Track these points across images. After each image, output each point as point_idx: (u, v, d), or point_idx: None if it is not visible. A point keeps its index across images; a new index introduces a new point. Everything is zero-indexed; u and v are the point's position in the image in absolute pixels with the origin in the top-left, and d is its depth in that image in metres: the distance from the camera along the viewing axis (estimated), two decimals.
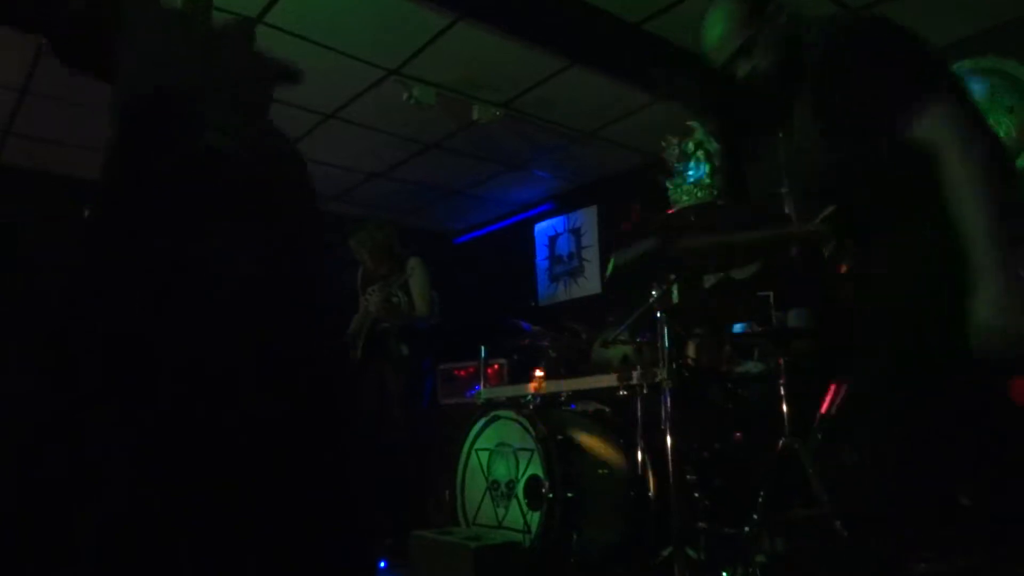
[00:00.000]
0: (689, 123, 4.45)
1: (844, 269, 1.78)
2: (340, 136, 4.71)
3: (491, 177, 5.59)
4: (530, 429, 2.72)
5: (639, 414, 2.86)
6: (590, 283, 5.63)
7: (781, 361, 2.89)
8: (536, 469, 2.65)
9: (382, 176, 5.46)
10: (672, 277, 2.78)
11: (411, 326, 3.88)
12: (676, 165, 4.50)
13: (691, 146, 4.39)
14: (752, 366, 3.46)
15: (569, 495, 2.55)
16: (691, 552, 2.65)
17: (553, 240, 5.99)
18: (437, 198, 6.01)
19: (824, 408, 2.89)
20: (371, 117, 4.50)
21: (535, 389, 3.12)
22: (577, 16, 3.42)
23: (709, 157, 4.35)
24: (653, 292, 2.54)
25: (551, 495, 2.54)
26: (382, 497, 4.09)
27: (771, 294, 3.37)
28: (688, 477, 2.86)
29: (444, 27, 3.55)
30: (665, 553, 2.64)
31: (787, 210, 1.86)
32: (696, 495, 2.81)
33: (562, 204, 5.95)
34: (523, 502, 2.68)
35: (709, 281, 4.01)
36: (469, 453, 3.02)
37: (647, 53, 3.78)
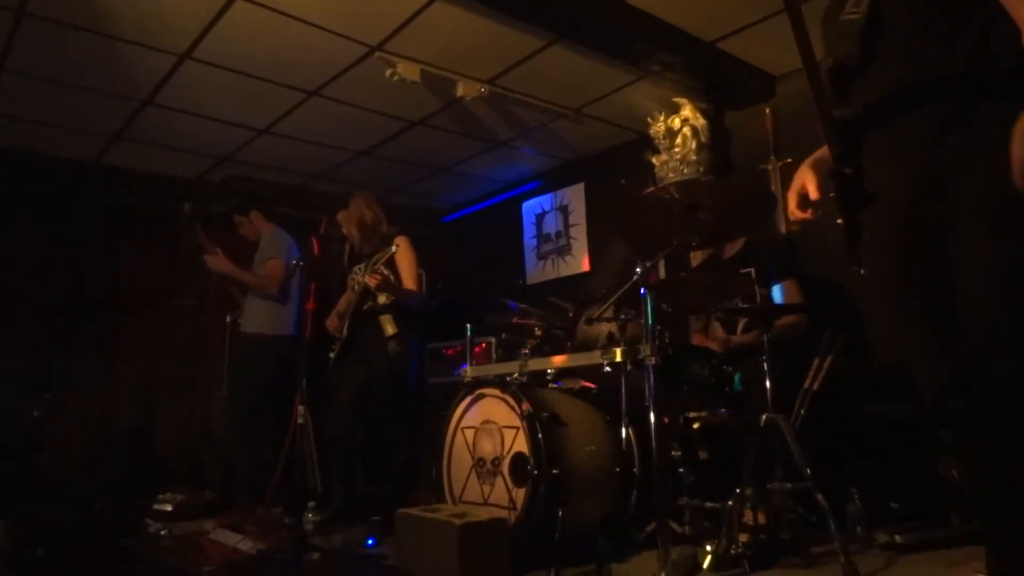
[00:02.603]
0: (675, 100, 4.43)
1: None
2: (324, 114, 4.66)
3: (477, 155, 5.55)
4: (515, 406, 2.73)
5: (623, 391, 2.88)
6: (577, 261, 5.63)
7: (764, 336, 2.90)
8: (521, 446, 2.66)
9: (367, 154, 5.42)
10: (659, 254, 2.78)
11: (399, 305, 3.87)
12: (662, 141, 4.49)
13: (677, 122, 4.37)
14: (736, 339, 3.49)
15: (554, 472, 2.56)
16: (676, 527, 2.68)
17: (540, 218, 5.98)
18: (424, 176, 5.97)
19: (807, 383, 2.92)
20: (355, 94, 4.45)
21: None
22: None
23: (695, 133, 4.34)
24: (638, 269, 2.54)
25: (536, 472, 2.56)
26: (370, 475, 4.11)
27: (753, 271, 3.38)
28: (673, 453, 2.89)
29: (425, 3, 3.50)
30: (649, 528, 2.67)
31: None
32: (680, 470, 2.84)
33: (549, 181, 5.93)
34: (509, 479, 2.69)
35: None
36: (455, 431, 3.02)
37: (633, 28, 3.74)
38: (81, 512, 4.23)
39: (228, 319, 4.86)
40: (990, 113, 1.37)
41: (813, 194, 1.66)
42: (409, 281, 3.90)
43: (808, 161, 1.75)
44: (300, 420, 3.65)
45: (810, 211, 1.69)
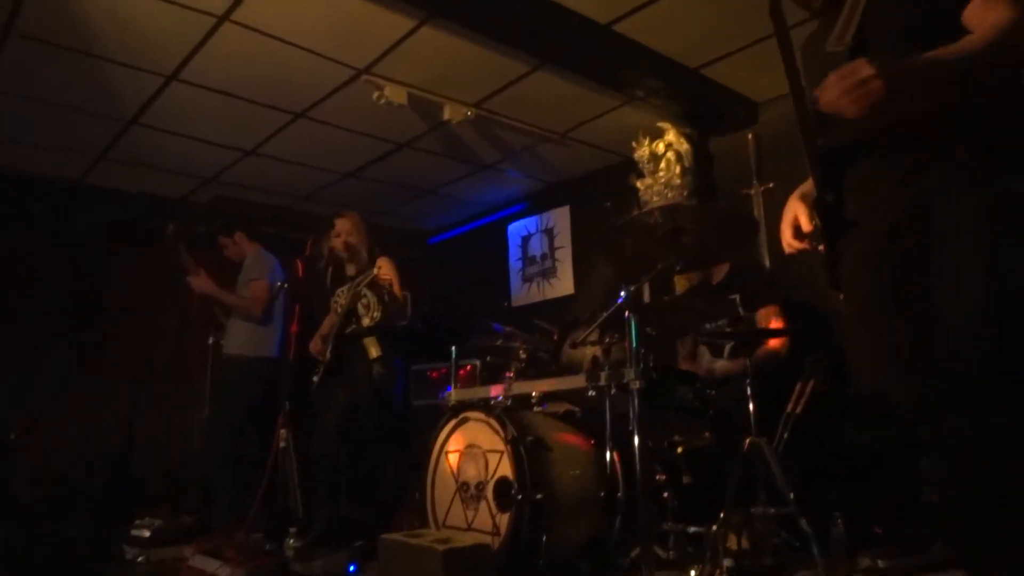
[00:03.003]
0: (659, 124, 4.48)
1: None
2: (311, 135, 4.67)
3: (463, 177, 5.58)
4: (500, 430, 2.72)
5: (608, 414, 2.87)
6: (563, 283, 5.64)
7: (747, 361, 2.92)
8: (506, 471, 2.64)
9: (353, 175, 5.43)
10: (643, 278, 2.79)
11: (383, 327, 3.85)
12: (647, 166, 4.53)
13: (661, 147, 4.42)
14: (721, 363, 3.51)
15: (538, 496, 2.54)
16: (660, 552, 2.67)
17: (526, 240, 6.00)
18: (410, 198, 5.98)
19: (790, 407, 2.93)
20: (341, 116, 4.47)
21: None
22: (546, 16, 3.42)
23: (679, 158, 4.38)
24: (622, 293, 2.55)
25: (520, 496, 2.54)
26: (353, 499, 4.06)
27: (738, 297, 3.41)
28: (657, 477, 2.88)
29: (411, 29, 3.53)
30: (634, 554, 2.65)
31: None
32: (665, 495, 2.83)
33: (535, 204, 5.96)
34: (493, 504, 2.67)
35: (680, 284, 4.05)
36: (439, 455, 3.00)
37: (618, 54, 3.80)
38: (56, 537, 4.15)
39: (211, 340, 4.82)
40: (965, 150, 1.43)
41: (805, 226, 1.70)
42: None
43: (796, 193, 1.80)
44: (282, 443, 3.61)
45: (806, 241, 1.73)
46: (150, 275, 5.48)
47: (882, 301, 1.60)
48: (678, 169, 4.33)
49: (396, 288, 3.83)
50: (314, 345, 4.02)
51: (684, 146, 4.37)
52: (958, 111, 1.45)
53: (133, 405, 5.44)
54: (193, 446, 5.23)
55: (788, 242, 1.75)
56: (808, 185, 1.76)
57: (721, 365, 3.35)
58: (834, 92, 1.37)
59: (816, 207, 1.62)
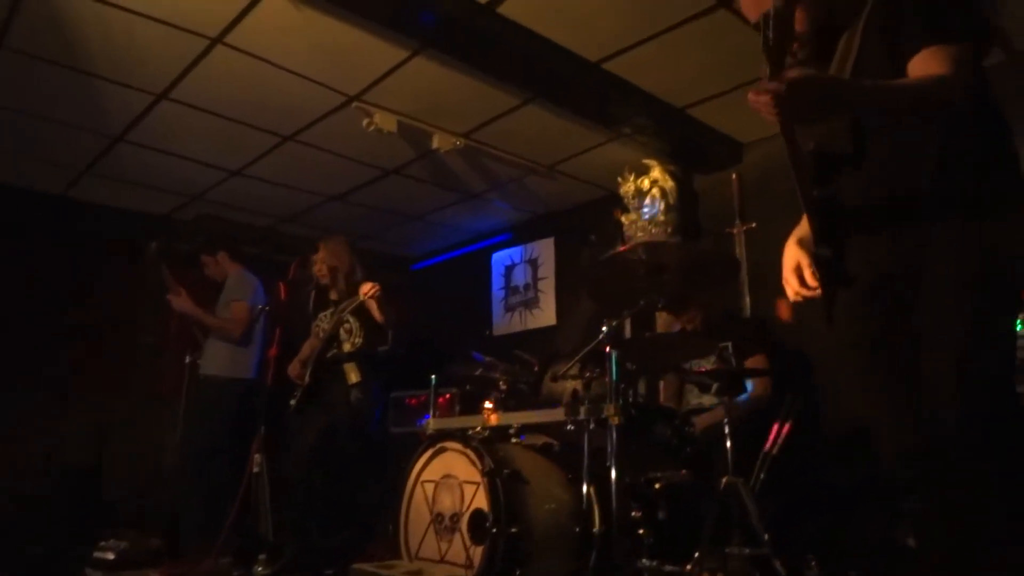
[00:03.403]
0: (645, 161, 4.54)
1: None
2: (298, 158, 4.68)
3: (450, 205, 5.60)
4: (476, 462, 2.70)
5: (586, 449, 2.86)
6: (545, 314, 5.65)
7: (728, 399, 2.94)
8: (481, 503, 2.62)
9: (340, 199, 5.43)
10: (624, 313, 2.82)
11: (364, 353, 3.83)
12: (632, 201, 4.58)
13: (646, 183, 4.48)
14: (708, 400, 3.53)
15: (513, 530, 2.52)
16: None
17: (510, 270, 6.01)
18: (395, 223, 5.99)
19: (767, 447, 2.94)
20: (330, 141, 4.48)
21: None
22: (538, 52, 3.48)
23: (664, 195, 4.44)
24: (604, 328, 2.57)
25: (495, 529, 2.52)
26: (326, 526, 4.00)
27: (730, 344, 3.44)
28: (633, 513, 2.87)
29: (404, 59, 3.57)
30: None
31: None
32: (640, 531, 2.82)
33: (520, 234, 5.99)
34: (467, 536, 2.65)
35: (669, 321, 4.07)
36: (415, 484, 2.97)
37: (607, 92, 3.86)
38: (17, 556, 4.04)
39: (187, 360, 4.76)
40: (956, 211, 1.52)
41: (809, 279, 1.74)
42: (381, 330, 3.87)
43: (793, 238, 1.83)
44: (256, 468, 3.56)
45: (812, 289, 1.76)
46: (129, 291, 5.42)
47: (871, 350, 1.67)
48: (662, 205, 4.39)
49: (382, 312, 3.80)
50: (293, 369, 3.99)
51: (669, 183, 4.43)
52: (952, 172, 1.54)
53: (104, 422, 5.34)
54: (165, 467, 5.13)
55: (796, 290, 1.78)
56: (803, 229, 1.81)
57: (701, 421, 3.35)
58: (753, 97, 1.47)
59: (815, 260, 1.69)
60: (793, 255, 1.80)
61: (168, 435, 5.04)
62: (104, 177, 4.98)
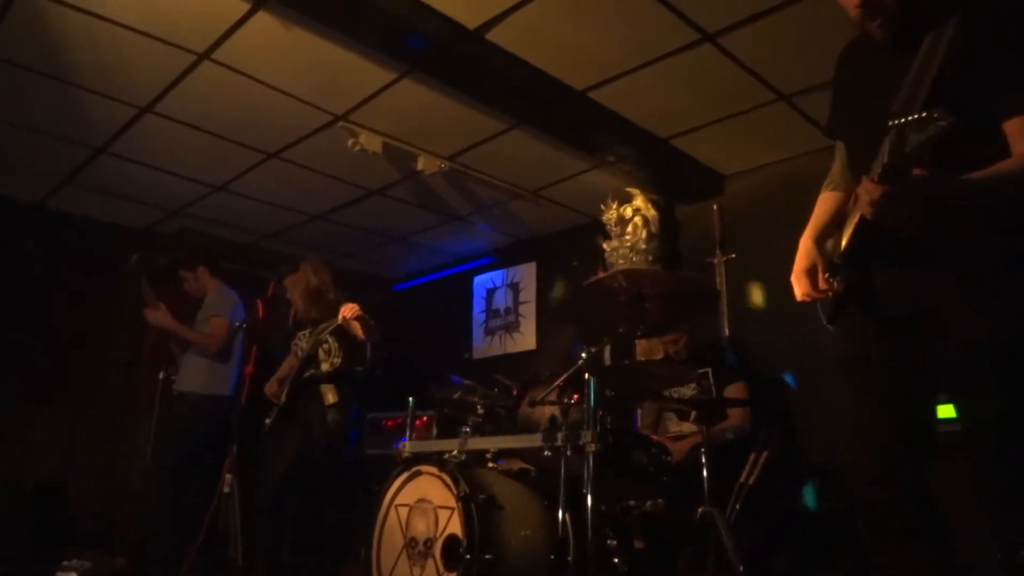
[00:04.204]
0: (628, 189, 4.58)
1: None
2: (282, 176, 4.67)
3: (433, 227, 5.61)
4: (452, 486, 2.67)
5: (563, 475, 2.85)
6: (525, 339, 5.65)
7: (705, 429, 2.94)
8: (455, 528, 2.59)
9: (323, 218, 5.42)
10: (604, 340, 2.82)
11: (342, 373, 3.80)
12: (614, 228, 4.61)
13: (629, 211, 4.51)
14: (687, 428, 3.53)
15: (487, 556, 2.49)
16: None
17: (491, 293, 6.01)
18: (378, 244, 5.98)
19: (743, 477, 2.95)
20: (315, 160, 4.48)
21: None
22: (525, 79, 3.51)
23: (646, 223, 4.48)
24: (583, 355, 2.57)
25: (468, 556, 2.49)
26: (297, 547, 3.94)
27: (710, 371, 3.46)
28: (608, 541, 2.85)
29: (391, 80, 3.59)
30: None
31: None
32: (616, 559, 2.80)
33: (502, 258, 6.00)
34: (440, 562, 2.61)
35: (648, 348, 4.09)
36: (389, 508, 2.93)
37: (592, 120, 3.90)
38: None
39: (161, 375, 4.69)
40: (983, 264, 1.50)
41: (822, 285, 1.74)
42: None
43: (809, 237, 1.81)
44: (227, 488, 3.49)
45: (822, 293, 1.76)
46: (104, 304, 5.35)
47: (874, 371, 1.67)
48: (644, 234, 4.42)
49: (365, 331, 3.76)
50: (270, 387, 3.94)
51: (651, 212, 4.47)
52: (983, 225, 1.51)
53: (73, 437, 5.24)
54: (134, 484, 5.03)
55: (806, 292, 1.77)
56: (816, 227, 1.82)
57: (677, 449, 3.36)
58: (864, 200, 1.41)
59: (831, 268, 1.70)
60: (808, 255, 1.79)
61: (138, 452, 4.95)
62: (84, 188, 4.93)
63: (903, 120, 1.26)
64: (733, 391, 3.52)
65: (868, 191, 1.37)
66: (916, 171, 1.33)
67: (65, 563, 3.73)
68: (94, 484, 5.19)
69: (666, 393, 3.51)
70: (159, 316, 4.26)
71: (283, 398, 3.81)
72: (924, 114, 1.24)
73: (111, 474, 5.26)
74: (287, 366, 3.99)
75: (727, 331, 4.24)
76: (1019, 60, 1.47)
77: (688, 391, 3.48)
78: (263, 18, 3.16)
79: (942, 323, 1.54)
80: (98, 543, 4.62)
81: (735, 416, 3.46)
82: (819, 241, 1.80)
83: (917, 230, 1.45)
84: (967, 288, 1.51)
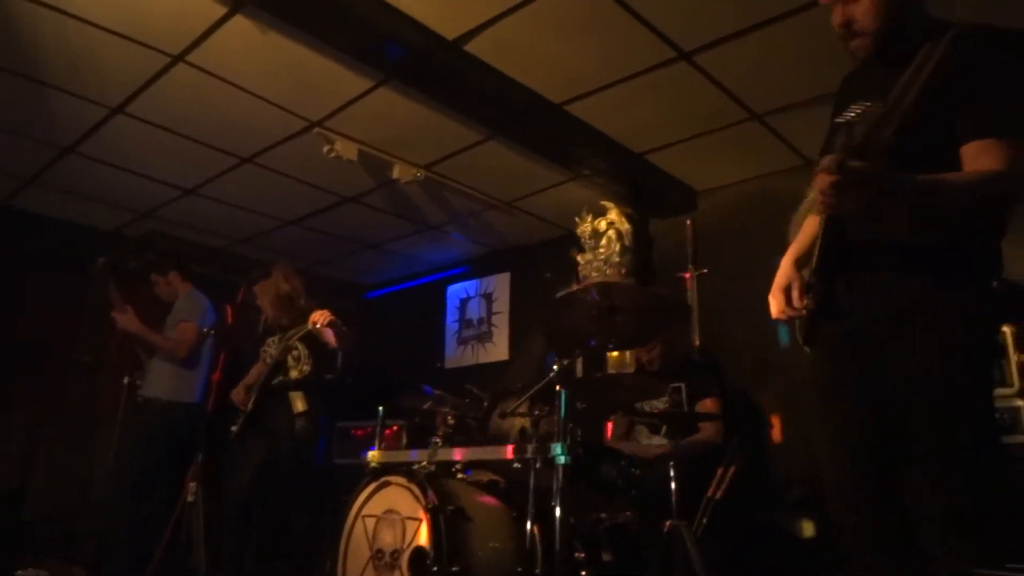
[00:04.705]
0: (602, 203, 4.61)
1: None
2: (256, 181, 4.63)
3: (407, 235, 5.59)
4: (420, 497, 2.65)
5: (532, 487, 2.84)
6: (498, 349, 5.64)
7: (674, 442, 2.96)
8: (423, 539, 2.57)
9: (296, 224, 5.37)
10: (576, 352, 2.83)
11: (312, 382, 3.76)
12: (588, 241, 4.63)
13: (603, 224, 4.54)
14: (658, 441, 3.55)
15: (454, 568, 2.47)
16: None
17: (464, 303, 6.00)
18: (351, 251, 5.95)
19: (711, 492, 2.97)
20: (289, 165, 4.45)
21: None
22: (502, 91, 3.53)
23: (620, 237, 4.50)
24: (555, 367, 2.57)
25: (435, 568, 2.47)
26: (262, 557, 3.87)
27: (683, 385, 3.48)
28: (576, 554, 2.85)
29: (368, 88, 3.58)
30: None
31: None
32: (583, 572, 2.79)
33: (476, 268, 6.00)
34: (407, 574, 2.59)
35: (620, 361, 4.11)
36: (355, 518, 2.90)
37: (568, 133, 3.92)
38: None
39: (126, 380, 4.59)
40: (938, 277, 1.58)
41: (796, 302, 1.78)
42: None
43: (791, 258, 1.87)
44: (191, 497, 3.43)
45: (796, 310, 1.80)
46: (68, 306, 5.23)
47: (841, 393, 1.72)
48: (618, 247, 4.45)
49: (338, 337, 3.72)
50: (236, 394, 3.89)
51: (625, 225, 4.50)
52: (939, 238, 1.59)
53: (33, 442, 5.11)
54: (95, 491, 4.92)
55: (781, 309, 1.82)
56: (800, 246, 1.87)
57: (650, 451, 3.38)
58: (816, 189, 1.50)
59: (811, 291, 1.76)
60: (786, 274, 1.84)
61: (99, 458, 4.85)
62: (51, 188, 4.84)
63: (849, 116, 1.37)
64: (706, 405, 3.55)
65: (819, 181, 1.45)
66: (858, 162, 1.42)
67: (19, 572, 3.63)
68: (53, 490, 5.06)
69: (637, 406, 3.53)
70: (126, 320, 4.18)
71: (250, 405, 3.75)
72: (865, 106, 1.31)
73: (71, 481, 5.13)
74: (255, 372, 3.94)
75: (697, 346, 4.27)
76: (988, 90, 1.55)
77: (660, 404, 3.49)
78: (240, 22, 3.13)
79: (883, 349, 1.61)
80: (56, 551, 4.50)
81: (707, 430, 3.49)
82: (800, 263, 1.85)
83: (872, 229, 1.56)
84: (907, 315, 1.58)
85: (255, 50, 3.31)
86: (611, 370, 4.12)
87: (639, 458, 3.29)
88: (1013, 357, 2.70)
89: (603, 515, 3.10)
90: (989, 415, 1.57)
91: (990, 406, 1.58)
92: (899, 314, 1.60)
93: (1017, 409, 2.67)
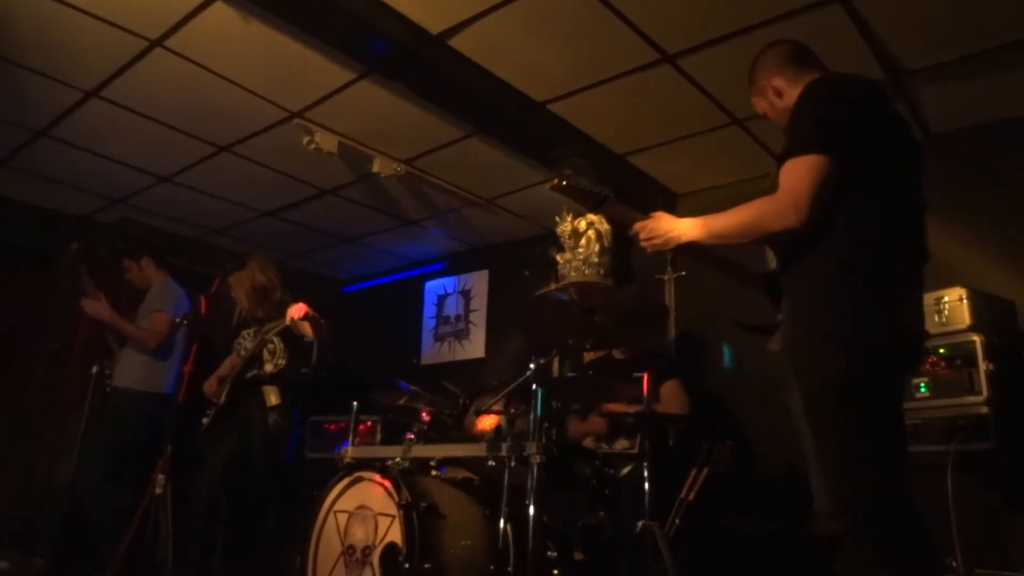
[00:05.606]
0: None
1: None
2: (233, 170, 4.57)
3: (386, 230, 5.55)
4: (394, 493, 2.64)
5: (506, 485, 2.84)
6: (474, 346, 5.63)
7: (647, 442, 2.97)
8: (395, 536, 2.56)
9: (273, 215, 5.31)
10: (553, 352, 2.83)
11: (286, 376, 3.72)
12: (567, 241, 4.63)
13: (583, 224, 4.54)
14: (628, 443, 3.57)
15: (426, 566, 2.46)
16: None
17: (442, 299, 5.98)
18: (329, 244, 5.89)
19: (683, 493, 2.98)
20: (268, 156, 4.39)
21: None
22: (485, 88, 3.51)
23: (599, 237, 4.50)
24: (531, 365, 2.56)
25: (407, 565, 2.45)
26: (230, 552, 3.83)
27: (646, 375, 3.49)
28: (549, 553, 2.85)
29: (350, 80, 3.55)
30: None
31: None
32: (555, 571, 2.79)
33: (454, 265, 5.98)
34: (378, 570, 2.57)
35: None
36: (327, 514, 2.87)
37: (550, 132, 3.92)
38: None
39: (94, 369, 4.50)
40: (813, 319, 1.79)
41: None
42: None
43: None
44: (159, 490, 3.37)
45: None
46: (35, 293, 5.12)
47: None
48: (597, 248, 4.43)
49: (316, 331, 3.67)
50: (209, 386, 3.83)
51: (605, 226, 4.49)
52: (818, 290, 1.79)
53: None
54: (58, 482, 4.81)
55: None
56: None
57: (615, 407, 3.44)
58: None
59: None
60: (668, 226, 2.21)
61: (64, 448, 4.75)
62: (20, 172, 4.73)
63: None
64: (668, 387, 3.64)
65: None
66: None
67: None
68: (15, 482, 4.95)
69: (602, 447, 3.59)
70: (97, 308, 4.10)
71: (223, 397, 3.71)
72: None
73: (34, 472, 5.03)
74: (228, 364, 3.89)
75: (674, 347, 4.30)
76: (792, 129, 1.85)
77: (624, 442, 3.57)
78: (221, 8, 3.08)
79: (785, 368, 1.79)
80: (16, 543, 4.40)
81: (669, 403, 3.57)
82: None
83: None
84: (792, 340, 1.78)
85: (236, 37, 3.26)
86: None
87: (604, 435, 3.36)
88: (982, 366, 2.75)
89: (576, 514, 3.11)
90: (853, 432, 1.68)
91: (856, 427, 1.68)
92: (789, 348, 1.80)
93: (984, 416, 2.72)
